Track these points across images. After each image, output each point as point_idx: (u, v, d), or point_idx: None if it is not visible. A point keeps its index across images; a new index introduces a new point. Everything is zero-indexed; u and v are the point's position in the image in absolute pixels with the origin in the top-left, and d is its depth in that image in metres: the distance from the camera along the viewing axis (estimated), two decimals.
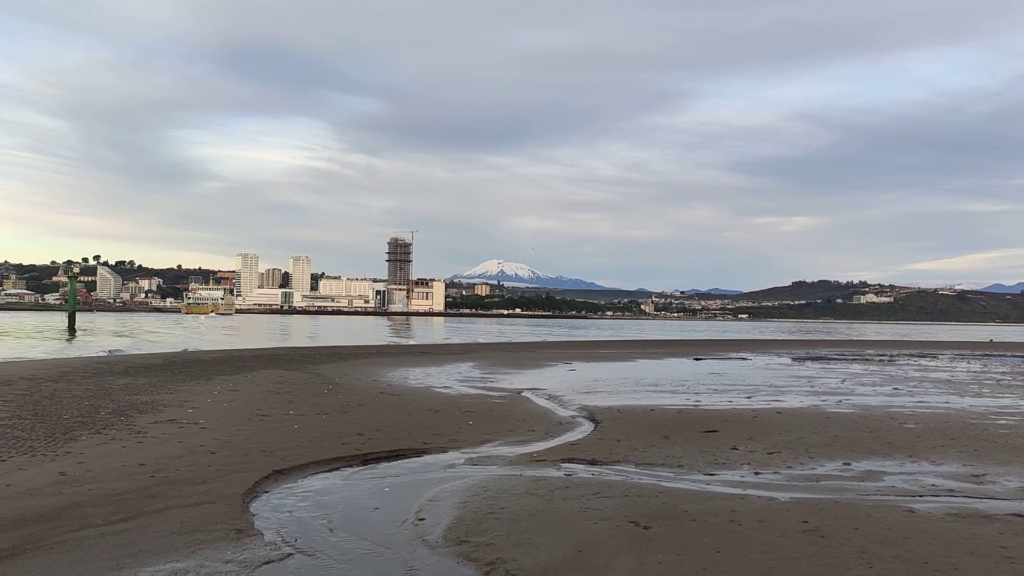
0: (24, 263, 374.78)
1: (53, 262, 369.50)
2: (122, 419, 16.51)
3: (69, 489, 10.43)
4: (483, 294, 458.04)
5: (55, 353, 40.96)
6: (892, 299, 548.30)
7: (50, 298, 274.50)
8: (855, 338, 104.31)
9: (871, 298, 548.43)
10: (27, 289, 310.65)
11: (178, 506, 9.86)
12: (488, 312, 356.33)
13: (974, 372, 37.82)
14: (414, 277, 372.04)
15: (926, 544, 8.52)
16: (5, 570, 7.55)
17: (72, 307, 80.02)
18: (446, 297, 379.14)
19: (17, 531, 8.62)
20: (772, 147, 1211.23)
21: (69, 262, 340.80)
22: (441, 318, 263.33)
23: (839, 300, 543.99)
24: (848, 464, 13.30)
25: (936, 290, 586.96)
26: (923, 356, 54.75)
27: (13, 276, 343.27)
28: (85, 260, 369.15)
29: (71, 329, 71.24)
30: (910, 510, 10.01)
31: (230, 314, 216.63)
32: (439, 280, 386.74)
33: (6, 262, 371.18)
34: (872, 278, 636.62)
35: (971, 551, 8.33)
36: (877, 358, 51.20)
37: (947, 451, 14.52)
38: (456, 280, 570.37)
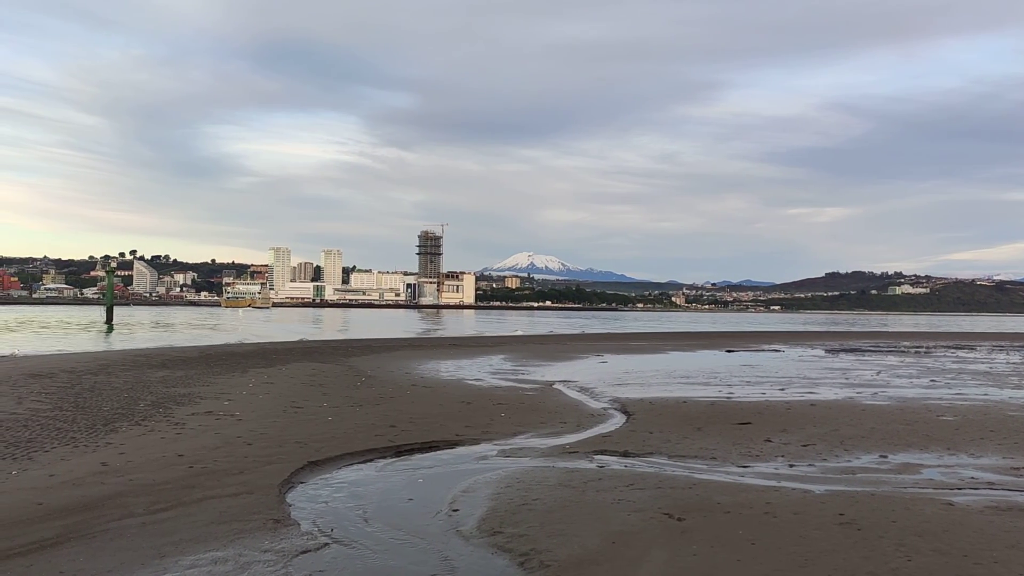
0: (63, 258, 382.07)
1: (91, 257, 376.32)
2: (160, 411, 16.80)
3: (111, 479, 10.64)
4: (513, 287, 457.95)
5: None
6: (928, 290, 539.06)
7: (88, 292, 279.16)
8: (890, 329, 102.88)
9: (907, 289, 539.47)
10: (66, 284, 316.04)
11: (216, 496, 10.02)
12: (518, 305, 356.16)
13: (1014, 364, 37.16)
14: (444, 270, 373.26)
15: (965, 537, 8.41)
16: (51, 557, 7.73)
17: (110, 301, 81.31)
18: (476, 290, 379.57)
19: (62, 520, 8.82)
20: (805, 137, 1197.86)
21: (107, 257, 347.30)
22: (471, 311, 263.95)
23: (874, 291, 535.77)
24: (885, 457, 13.15)
25: (974, 280, 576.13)
26: (961, 348, 53.88)
27: (52, 271, 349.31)
28: (122, 255, 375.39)
29: (109, 323, 72.43)
30: (949, 503, 9.89)
31: (267, 307, 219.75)
32: (469, 273, 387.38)
33: (45, 257, 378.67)
34: (908, 269, 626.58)
35: (1012, 544, 8.21)
36: (913, 350, 50.48)
37: (986, 443, 14.31)
38: (486, 273, 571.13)
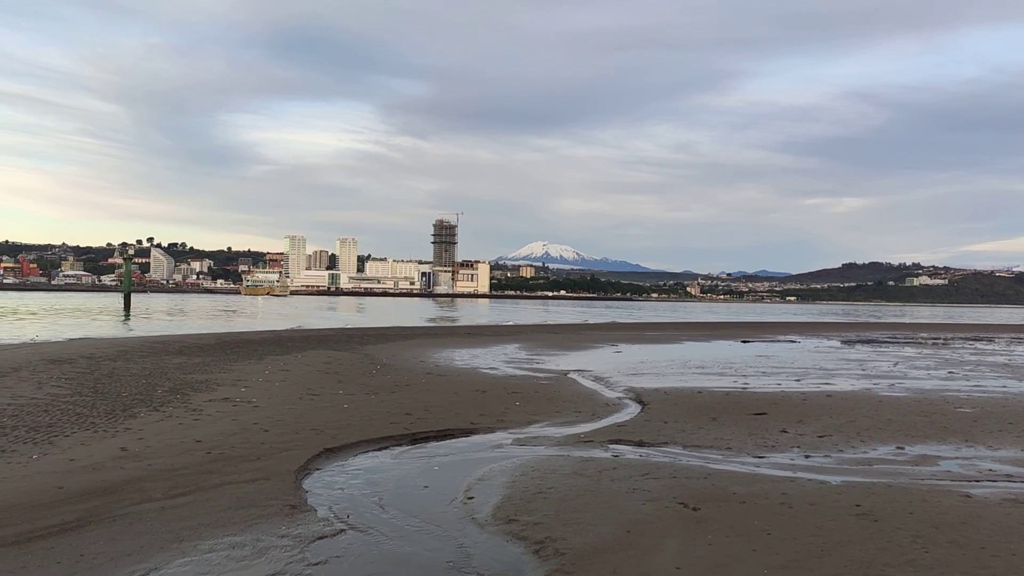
0: (81, 245, 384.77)
1: (109, 244, 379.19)
2: (178, 397, 16.94)
3: (130, 464, 10.75)
4: (528, 276, 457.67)
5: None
6: (947, 281, 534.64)
7: (106, 279, 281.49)
8: (908, 321, 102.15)
9: (924, 280, 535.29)
10: (84, 271, 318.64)
11: (234, 482, 10.11)
12: (533, 294, 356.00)
13: None
14: (459, 259, 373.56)
15: (983, 529, 8.36)
16: (72, 541, 7.83)
17: (127, 288, 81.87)
18: (491, 279, 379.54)
19: (82, 504, 8.93)
20: (822, 127, 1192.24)
21: (124, 244, 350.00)
22: (486, 300, 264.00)
23: (891, 282, 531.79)
24: (902, 448, 13.08)
25: (993, 272, 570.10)
26: (979, 339, 53.43)
27: (71, 258, 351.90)
28: (139, 242, 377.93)
29: (126, 309, 72.95)
30: (966, 495, 9.83)
31: (285, 296, 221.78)
32: (484, 262, 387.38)
33: (64, 244, 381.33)
34: (926, 260, 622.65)
35: None
36: (931, 341, 50.12)
37: (1005, 436, 14.20)
38: (501, 262, 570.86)
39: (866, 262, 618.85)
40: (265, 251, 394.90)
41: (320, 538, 8.23)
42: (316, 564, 7.54)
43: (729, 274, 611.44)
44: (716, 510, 9.05)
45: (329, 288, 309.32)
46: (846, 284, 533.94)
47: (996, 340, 52.76)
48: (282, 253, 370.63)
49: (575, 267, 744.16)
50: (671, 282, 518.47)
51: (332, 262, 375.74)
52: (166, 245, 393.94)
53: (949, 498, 9.65)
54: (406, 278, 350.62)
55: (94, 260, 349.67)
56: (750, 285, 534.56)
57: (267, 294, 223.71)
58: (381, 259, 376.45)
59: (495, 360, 29.36)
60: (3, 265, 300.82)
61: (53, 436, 12.35)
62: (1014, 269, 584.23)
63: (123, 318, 62.70)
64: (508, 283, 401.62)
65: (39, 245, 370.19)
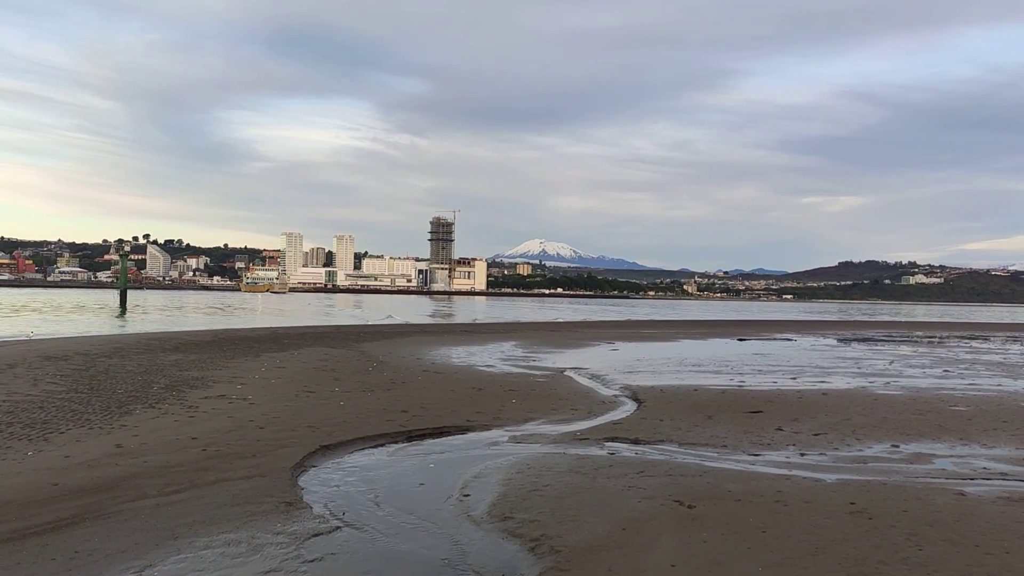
0: (77, 242, 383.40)
1: (105, 241, 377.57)
2: (174, 394, 16.91)
3: (125, 461, 10.74)
4: (525, 274, 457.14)
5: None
6: (942, 280, 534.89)
7: (102, 276, 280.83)
8: (903, 319, 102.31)
9: (920, 279, 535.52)
10: (80, 267, 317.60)
11: (229, 479, 10.10)
12: (530, 292, 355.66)
13: None
14: (456, 256, 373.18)
15: (977, 527, 8.38)
16: (66, 537, 7.82)
17: (123, 285, 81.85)
18: (488, 276, 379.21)
19: (77, 500, 8.91)
20: (819, 126, 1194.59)
21: (120, 241, 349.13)
22: (483, 297, 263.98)
23: (887, 281, 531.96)
24: (896, 446, 13.11)
25: (988, 271, 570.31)
26: (974, 338, 53.54)
27: (67, 254, 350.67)
28: (135, 239, 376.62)
29: (122, 306, 72.83)
30: (961, 493, 9.85)
31: (284, 293, 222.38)
32: (481, 259, 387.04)
33: (60, 240, 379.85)
34: (922, 258, 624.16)
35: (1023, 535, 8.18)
36: (926, 340, 50.22)
37: (999, 434, 14.24)
38: (498, 260, 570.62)
39: (862, 260, 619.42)
40: (262, 248, 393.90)
41: (315, 535, 8.23)
42: (311, 561, 7.54)
43: (726, 272, 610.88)
44: (711, 508, 9.06)
45: (326, 285, 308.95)
46: (842, 282, 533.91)
47: (991, 339, 52.88)
48: (279, 250, 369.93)
49: (572, 265, 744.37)
50: (668, 280, 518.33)
51: (329, 259, 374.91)
52: (162, 242, 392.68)
53: (943, 496, 9.67)
54: (403, 275, 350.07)
55: (90, 257, 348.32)
56: (747, 283, 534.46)
57: (266, 291, 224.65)
58: (378, 256, 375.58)
59: (492, 358, 29.36)
60: None
61: (48, 433, 12.34)
62: (1009, 268, 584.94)
63: (119, 315, 62.59)
64: (505, 281, 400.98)
65: (35, 241, 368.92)
